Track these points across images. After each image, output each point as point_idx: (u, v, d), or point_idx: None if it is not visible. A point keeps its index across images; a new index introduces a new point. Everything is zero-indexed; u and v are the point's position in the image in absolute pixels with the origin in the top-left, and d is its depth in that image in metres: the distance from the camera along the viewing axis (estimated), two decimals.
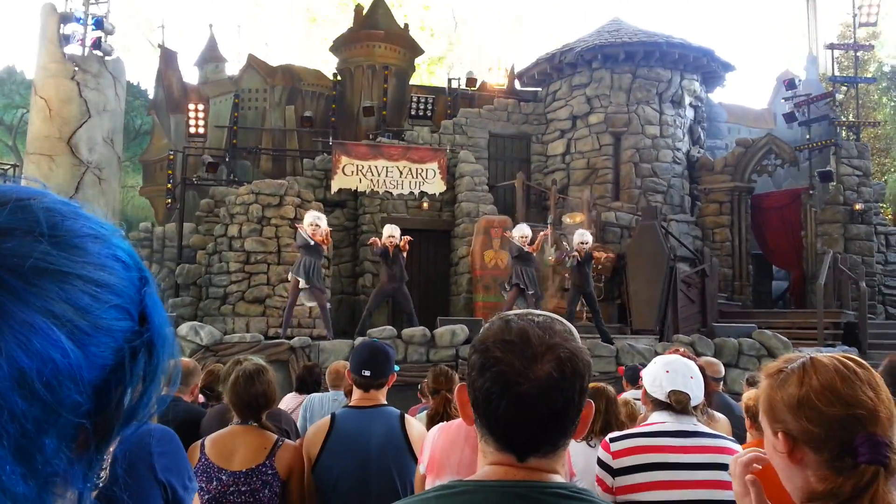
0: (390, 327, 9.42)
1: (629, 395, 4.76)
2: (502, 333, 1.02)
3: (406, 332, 9.05)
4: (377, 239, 9.65)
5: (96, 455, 0.53)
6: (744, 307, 14.74)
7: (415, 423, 2.92)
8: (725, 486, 2.15)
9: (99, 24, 13.92)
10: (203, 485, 2.58)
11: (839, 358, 1.21)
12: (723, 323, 11.31)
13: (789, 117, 16.99)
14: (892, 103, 25.35)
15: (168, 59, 19.10)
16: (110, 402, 0.53)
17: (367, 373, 2.86)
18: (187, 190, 14.74)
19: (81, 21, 13.94)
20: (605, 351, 9.25)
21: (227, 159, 16.27)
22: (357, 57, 17.51)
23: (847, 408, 1.14)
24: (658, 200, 15.35)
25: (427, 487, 2.33)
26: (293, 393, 5.50)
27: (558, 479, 1.01)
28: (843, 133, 17.03)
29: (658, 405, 2.58)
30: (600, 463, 2.53)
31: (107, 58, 14.15)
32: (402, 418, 2.87)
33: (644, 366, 3.01)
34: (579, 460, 3.05)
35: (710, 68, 16.52)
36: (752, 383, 4.37)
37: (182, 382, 3.94)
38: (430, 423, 3.24)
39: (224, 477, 2.61)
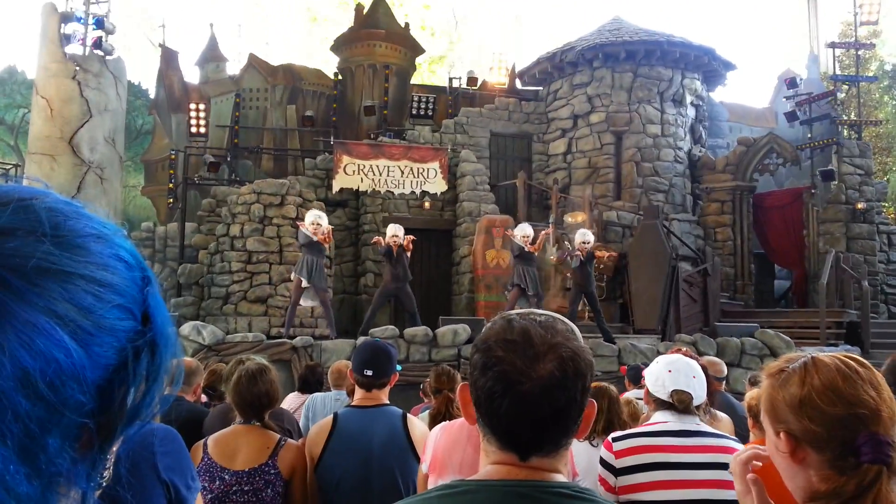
0: (392, 327, 9.42)
1: (631, 394, 4.76)
2: (504, 333, 1.02)
3: (408, 331, 9.05)
4: (381, 238, 9.65)
5: (100, 455, 0.53)
6: (746, 306, 14.74)
7: (417, 423, 2.92)
8: (728, 485, 2.15)
9: (100, 23, 13.95)
10: (206, 484, 2.58)
11: (841, 357, 1.21)
12: (725, 322, 11.31)
13: (791, 116, 16.97)
14: (894, 102, 25.33)
15: (169, 58, 19.11)
16: (113, 401, 0.53)
17: (370, 372, 2.86)
18: (189, 189, 14.75)
19: (82, 20, 13.96)
20: (607, 350, 9.25)
21: (228, 159, 16.29)
22: (358, 56, 17.51)
23: (849, 407, 1.13)
24: (660, 200, 15.35)
25: (429, 487, 2.33)
26: (295, 392, 5.50)
27: (561, 478, 1.01)
28: (845, 132, 17.01)
29: (661, 405, 2.58)
30: (603, 462, 2.53)
31: (108, 57, 14.18)
32: (404, 418, 2.88)
33: (646, 365, 3.01)
34: (582, 460, 3.05)
35: (711, 67, 16.51)
36: (754, 383, 4.36)
37: (185, 382, 3.95)
38: (433, 422, 3.24)
39: (227, 476, 2.62)
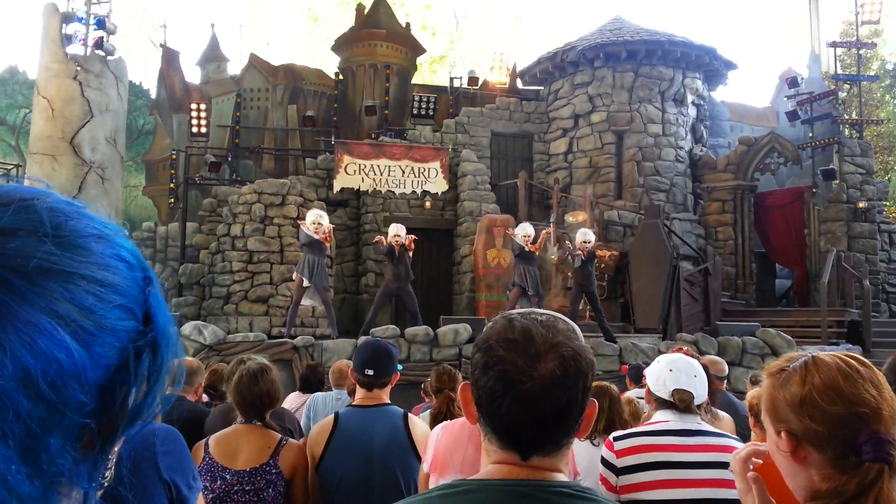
0: (393, 326, 9.42)
1: (632, 393, 4.75)
2: (505, 332, 1.02)
3: (409, 331, 9.05)
4: (382, 238, 9.66)
5: (101, 455, 0.54)
6: (747, 305, 14.73)
7: (418, 422, 2.93)
8: (729, 484, 2.15)
9: (101, 23, 13.96)
10: (207, 484, 2.58)
11: (841, 356, 1.21)
12: (726, 321, 11.30)
13: (792, 115, 16.95)
14: (895, 101, 25.29)
15: (170, 58, 19.12)
16: (115, 401, 0.53)
17: (371, 372, 2.86)
18: (190, 189, 14.76)
19: (83, 21, 13.97)
20: (608, 350, 9.24)
21: (229, 159, 16.29)
22: (359, 56, 17.51)
23: (850, 406, 1.13)
24: (661, 199, 15.34)
25: (430, 486, 2.33)
26: (297, 392, 5.50)
27: (562, 477, 1.01)
28: (846, 131, 17.00)
29: (662, 404, 2.58)
30: (604, 462, 2.53)
31: (109, 57, 14.19)
32: (405, 417, 2.88)
33: (647, 364, 3.01)
34: (583, 459, 3.05)
35: (712, 66, 16.50)
36: (755, 382, 4.36)
37: (186, 382, 3.95)
38: (434, 421, 3.24)
39: (228, 476, 2.62)
